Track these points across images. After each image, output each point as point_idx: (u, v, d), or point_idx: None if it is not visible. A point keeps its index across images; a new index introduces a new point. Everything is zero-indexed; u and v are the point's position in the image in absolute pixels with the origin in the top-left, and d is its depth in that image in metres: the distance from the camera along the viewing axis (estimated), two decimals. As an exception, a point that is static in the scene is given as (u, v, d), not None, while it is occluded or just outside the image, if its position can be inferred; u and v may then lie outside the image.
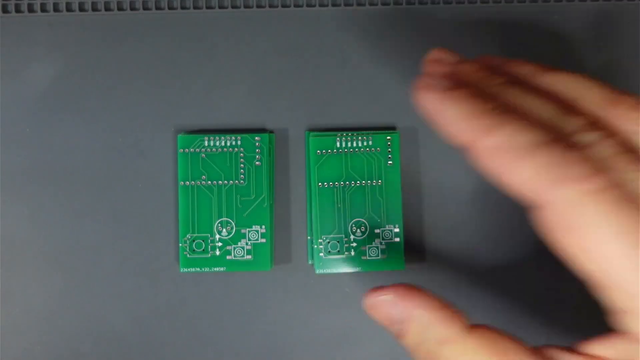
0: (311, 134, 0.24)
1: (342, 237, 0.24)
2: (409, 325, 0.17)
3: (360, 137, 0.24)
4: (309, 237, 0.24)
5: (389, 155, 0.24)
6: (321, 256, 0.24)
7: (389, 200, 0.24)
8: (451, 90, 0.16)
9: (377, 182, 0.24)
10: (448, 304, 0.17)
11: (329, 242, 0.24)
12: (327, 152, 0.24)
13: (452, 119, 0.15)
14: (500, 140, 0.14)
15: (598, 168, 0.14)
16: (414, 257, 0.25)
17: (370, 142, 0.24)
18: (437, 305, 0.17)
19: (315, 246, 0.24)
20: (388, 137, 0.24)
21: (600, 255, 0.14)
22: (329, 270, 0.24)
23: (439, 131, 0.16)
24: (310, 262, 0.24)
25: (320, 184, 0.24)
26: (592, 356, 0.15)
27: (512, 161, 0.14)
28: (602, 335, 0.16)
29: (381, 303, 0.18)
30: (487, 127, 0.15)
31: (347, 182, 0.24)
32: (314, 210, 0.24)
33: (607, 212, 0.13)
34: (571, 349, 0.16)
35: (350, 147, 0.24)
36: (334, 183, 0.24)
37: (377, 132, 0.24)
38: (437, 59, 0.17)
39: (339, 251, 0.24)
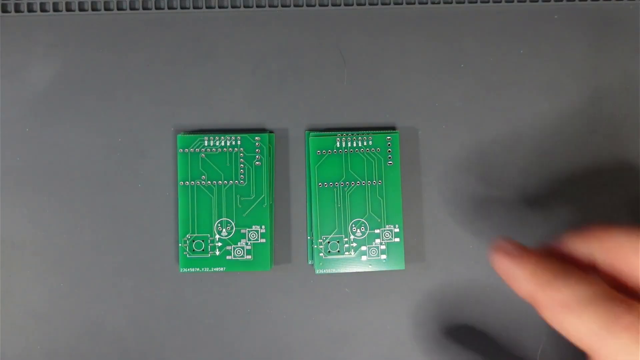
0: (311, 133, 0.24)
1: (342, 237, 0.24)
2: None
3: (360, 137, 0.24)
4: (309, 238, 0.24)
5: (389, 155, 0.24)
6: (321, 256, 0.24)
7: (389, 200, 0.24)
8: (522, 254, 0.18)
9: (377, 182, 0.24)
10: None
11: (328, 242, 0.24)
12: (327, 152, 0.24)
13: (521, 277, 0.17)
14: (559, 296, 0.16)
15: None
16: (413, 257, 0.25)
17: (370, 142, 0.24)
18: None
19: (315, 246, 0.24)
20: (388, 137, 0.24)
21: None
22: (328, 270, 0.24)
23: (510, 287, 0.18)
24: (310, 263, 0.24)
25: (320, 184, 0.24)
26: None
27: (569, 314, 0.16)
28: None
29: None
30: (547, 282, 0.17)
31: (347, 182, 0.24)
32: (313, 210, 0.24)
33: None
34: None
35: (350, 147, 0.24)
36: (334, 183, 0.24)
37: (377, 132, 0.24)
38: (502, 248, 0.19)
39: (338, 251, 0.24)
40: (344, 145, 0.24)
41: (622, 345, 0.15)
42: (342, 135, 0.24)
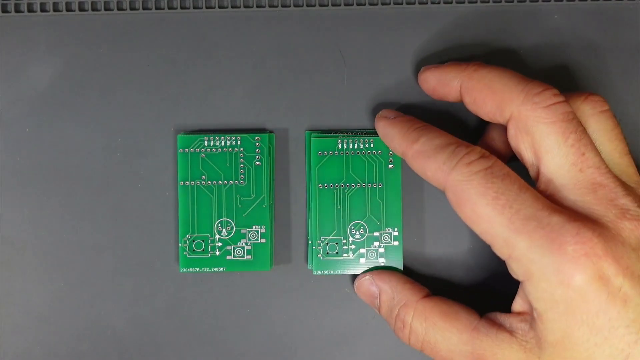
0: (312, 134, 0.24)
1: (340, 239, 0.24)
2: (381, 297, 0.23)
3: (361, 140, 0.24)
4: (309, 242, 0.24)
5: (390, 159, 0.24)
6: (319, 257, 0.24)
7: (389, 203, 0.24)
8: (394, 119, 0.23)
9: (378, 184, 0.24)
10: (411, 280, 0.23)
11: (327, 244, 0.24)
12: (328, 153, 0.24)
13: (394, 137, 0.22)
14: (420, 147, 0.21)
15: (477, 158, 0.20)
16: (412, 260, 0.25)
17: (371, 145, 0.24)
18: (401, 280, 0.23)
19: (314, 247, 0.24)
20: None
21: (481, 218, 0.19)
22: (326, 272, 0.24)
23: (389, 148, 0.23)
24: (310, 267, 0.24)
25: (320, 185, 0.24)
26: (517, 313, 0.20)
27: (427, 160, 0.21)
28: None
29: (363, 283, 0.24)
30: (413, 139, 0.21)
31: (348, 184, 0.24)
32: (313, 211, 0.24)
33: (483, 185, 0.19)
34: (508, 312, 0.21)
35: (352, 149, 0.24)
36: (334, 184, 0.24)
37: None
38: (384, 116, 0.23)
39: (337, 253, 0.24)
40: (345, 147, 0.24)
41: (462, 175, 0.19)
42: (343, 137, 0.24)
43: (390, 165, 0.24)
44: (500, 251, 0.19)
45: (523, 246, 0.19)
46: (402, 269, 0.24)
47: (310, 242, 0.24)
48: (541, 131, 0.19)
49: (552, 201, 0.19)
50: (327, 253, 0.24)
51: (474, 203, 0.19)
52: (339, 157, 0.24)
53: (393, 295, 0.23)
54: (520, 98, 0.20)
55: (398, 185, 0.24)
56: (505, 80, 0.20)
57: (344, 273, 0.24)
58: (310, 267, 0.24)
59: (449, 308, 0.22)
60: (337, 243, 0.24)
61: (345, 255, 0.24)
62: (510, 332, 0.20)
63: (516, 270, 0.19)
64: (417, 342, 0.22)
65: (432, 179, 0.21)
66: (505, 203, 0.19)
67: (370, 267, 0.24)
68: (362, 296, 0.24)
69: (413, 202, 0.25)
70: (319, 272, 0.24)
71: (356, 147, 0.24)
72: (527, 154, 0.20)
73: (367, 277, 0.23)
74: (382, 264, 0.24)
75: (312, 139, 0.24)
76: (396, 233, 0.24)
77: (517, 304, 0.20)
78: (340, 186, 0.24)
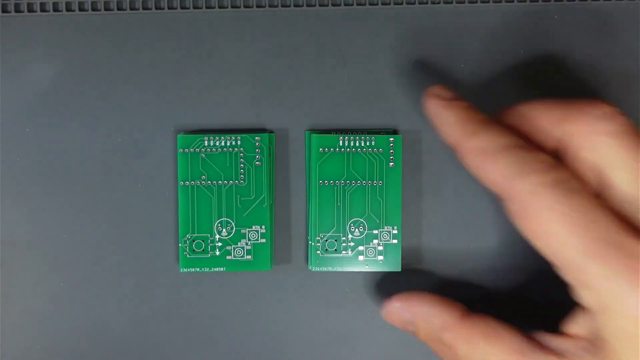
0: (314, 131, 0.24)
1: (339, 236, 0.24)
2: (417, 323, 0.21)
3: (363, 138, 0.24)
4: (310, 243, 0.24)
5: (391, 157, 0.24)
6: (318, 254, 0.24)
7: (389, 201, 0.24)
8: (451, 101, 0.20)
9: (378, 182, 0.24)
10: (445, 299, 0.21)
11: (326, 241, 0.24)
12: (329, 150, 0.24)
13: (448, 123, 0.20)
14: (479, 143, 0.19)
15: (550, 166, 0.17)
16: (411, 259, 0.25)
17: (372, 143, 0.24)
18: (435, 300, 0.21)
19: (313, 244, 0.24)
20: (391, 139, 0.24)
21: (550, 237, 0.17)
22: (324, 269, 0.24)
23: (438, 132, 0.20)
24: (310, 268, 0.24)
25: (320, 181, 0.24)
26: (571, 335, 0.18)
27: (487, 159, 0.18)
28: (572, 313, 0.19)
29: (392, 311, 0.22)
30: (472, 131, 0.19)
31: (348, 181, 0.24)
32: (312, 207, 0.24)
33: (555, 200, 0.17)
34: (557, 332, 0.19)
35: (353, 147, 0.24)
36: (334, 181, 0.24)
37: (380, 134, 0.24)
38: (436, 94, 0.21)
39: (336, 250, 0.24)
40: (346, 145, 0.24)
41: (530, 185, 0.17)
42: (344, 134, 0.24)
43: (391, 164, 0.24)
44: (571, 276, 0.18)
45: (600, 274, 0.16)
46: (400, 268, 0.24)
47: (308, 238, 0.24)
48: (606, 145, 0.18)
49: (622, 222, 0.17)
50: (326, 250, 0.24)
51: (544, 219, 0.17)
52: (340, 154, 0.24)
53: (428, 319, 0.21)
54: (575, 114, 0.18)
55: (398, 184, 0.24)
56: (548, 106, 0.19)
57: (341, 270, 0.24)
58: (310, 268, 0.24)
59: (490, 329, 0.20)
60: (336, 240, 0.24)
61: (344, 252, 0.24)
62: (561, 355, 0.18)
63: (588, 298, 0.17)
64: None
65: (490, 183, 0.18)
66: (579, 222, 0.17)
67: (369, 264, 0.24)
68: (395, 323, 0.22)
69: (413, 201, 0.25)
70: (317, 269, 0.24)
71: (357, 144, 0.24)
72: (587, 173, 0.18)
73: (396, 304, 0.22)
74: (381, 262, 0.24)
75: (313, 135, 0.24)
76: (395, 231, 0.24)
77: (575, 328, 0.19)
78: (340, 183, 0.24)
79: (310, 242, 0.24)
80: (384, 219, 0.24)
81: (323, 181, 0.24)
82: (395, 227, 0.24)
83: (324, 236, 0.24)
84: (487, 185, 0.19)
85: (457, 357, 0.20)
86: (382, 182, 0.24)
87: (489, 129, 0.19)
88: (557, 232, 0.17)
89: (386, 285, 0.25)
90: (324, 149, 0.24)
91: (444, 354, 0.21)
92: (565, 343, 0.18)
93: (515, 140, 0.18)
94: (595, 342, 0.18)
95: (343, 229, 0.24)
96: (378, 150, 0.24)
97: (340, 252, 0.24)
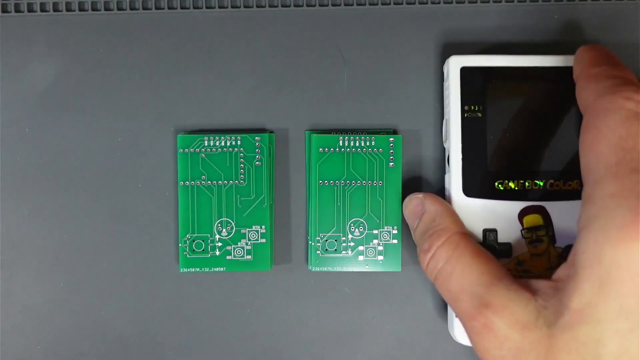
0: (314, 131, 0.24)
1: (339, 236, 0.24)
2: (423, 216, 0.22)
3: (363, 138, 0.24)
4: (310, 243, 0.24)
5: (391, 157, 0.24)
6: (318, 254, 0.24)
7: (389, 201, 0.24)
8: (600, 50, 0.21)
9: (378, 182, 0.24)
10: (458, 216, 0.22)
11: (326, 240, 0.24)
12: (329, 150, 0.24)
13: (583, 58, 0.21)
14: (596, 70, 0.20)
15: (634, 97, 0.18)
16: (411, 259, 0.25)
17: (372, 143, 0.24)
18: (449, 210, 0.22)
19: (312, 243, 0.24)
20: (391, 139, 0.24)
21: (593, 150, 0.18)
22: (324, 268, 0.24)
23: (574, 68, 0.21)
24: (310, 268, 0.24)
25: (320, 181, 0.24)
26: (550, 280, 0.19)
27: (590, 81, 0.20)
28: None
29: (412, 199, 0.23)
30: (595, 63, 0.20)
31: (348, 181, 0.24)
32: (312, 207, 0.24)
33: (620, 122, 0.18)
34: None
35: (353, 147, 0.24)
36: (334, 181, 0.24)
37: (379, 134, 0.24)
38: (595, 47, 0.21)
39: (335, 250, 0.24)
40: (346, 144, 0.24)
41: (610, 103, 0.18)
42: (344, 134, 0.24)
43: (391, 164, 0.24)
44: (586, 188, 0.18)
45: (607, 191, 0.17)
46: (400, 268, 0.24)
47: (308, 238, 0.24)
48: None
49: None
50: (326, 250, 0.24)
51: (601, 134, 0.18)
52: (340, 154, 0.24)
53: (435, 218, 0.22)
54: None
55: (398, 184, 0.24)
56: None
57: (341, 270, 0.24)
58: (310, 268, 0.24)
59: (482, 251, 0.20)
60: (336, 240, 0.24)
61: (344, 252, 0.24)
62: (533, 292, 0.18)
63: (585, 212, 0.18)
64: (434, 268, 0.21)
65: (581, 99, 0.20)
66: (626, 147, 0.17)
67: (369, 264, 0.24)
68: (407, 213, 0.23)
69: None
70: (317, 269, 0.24)
71: (357, 144, 0.24)
72: None
73: (420, 195, 0.23)
74: (381, 262, 0.24)
75: (313, 135, 0.24)
76: (395, 231, 0.24)
77: (557, 273, 0.19)
78: (340, 183, 0.24)
79: (310, 242, 0.24)
80: (384, 219, 0.24)
81: (323, 181, 0.24)
82: (395, 227, 0.24)
83: (324, 236, 0.24)
84: (579, 105, 0.20)
85: (434, 260, 0.21)
86: (382, 182, 0.24)
87: (612, 65, 0.20)
88: (603, 146, 0.18)
89: (386, 285, 0.25)
90: (324, 149, 0.24)
91: (423, 253, 0.21)
92: (543, 283, 0.19)
93: (632, 78, 0.19)
94: (566, 280, 0.18)
95: (343, 229, 0.24)
96: (378, 150, 0.24)
97: (340, 252, 0.24)
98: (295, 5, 0.25)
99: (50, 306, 0.25)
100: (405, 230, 0.24)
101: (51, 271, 0.25)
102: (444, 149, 0.24)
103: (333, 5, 0.25)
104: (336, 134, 0.24)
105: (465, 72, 0.23)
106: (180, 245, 0.24)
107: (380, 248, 0.24)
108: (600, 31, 0.25)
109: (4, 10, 0.25)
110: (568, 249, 0.22)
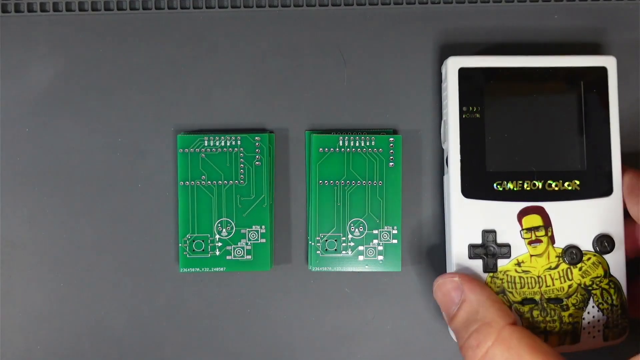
0: (314, 131, 0.24)
1: (339, 236, 0.24)
2: (462, 306, 0.21)
3: (362, 138, 0.24)
4: (310, 243, 0.24)
5: (391, 157, 0.24)
6: (318, 254, 0.24)
7: (389, 201, 0.24)
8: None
9: (378, 182, 0.24)
10: (500, 300, 0.21)
11: (326, 241, 0.24)
12: (329, 150, 0.24)
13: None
14: None
15: None
16: (410, 259, 0.25)
17: (372, 143, 0.24)
18: (492, 296, 0.21)
19: (312, 243, 0.24)
20: (391, 139, 0.24)
21: None
22: (324, 269, 0.24)
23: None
24: (310, 268, 0.24)
25: (320, 181, 0.24)
26: None
27: None
28: None
29: (446, 283, 0.21)
30: None
31: (348, 181, 0.24)
32: (312, 207, 0.24)
33: None
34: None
35: (353, 147, 0.24)
36: (334, 181, 0.24)
37: (380, 133, 0.24)
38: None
39: (336, 250, 0.24)
40: (346, 144, 0.24)
41: None
42: (344, 134, 0.24)
43: (391, 164, 0.24)
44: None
45: None
46: (400, 268, 0.24)
47: (308, 238, 0.24)
48: None
49: None
50: (326, 250, 0.24)
51: None
52: (340, 154, 0.24)
53: (477, 309, 0.20)
54: None
55: (398, 184, 0.24)
56: None
57: (341, 270, 0.24)
58: (310, 268, 0.24)
59: (539, 344, 0.19)
60: (336, 240, 0.24)
61: (344, 252, 0.24)
62: None
63: None
64: None
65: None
66: None
67: (369, 264, 0.24)
68: (440, 297, 0.22)
69: (413, 201, 0.25)
70: (317, 269, 0.24)
71: (357, 144, 0.24)
72: None
73: (456, 278, 0.21)
74: (381, 262, 0.24)
75: (313, 135, 0.24)
76: (395, 231, 0.24)
77: None
78: (340, 183, 0.24)
79: (310, 242, 0.24)
80: (384, 219, 0.24)
81: (323, 181, 0.24)
82: (395, 227, 0.24)
83: (324, 236, 0.24)
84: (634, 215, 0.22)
85: (479, 355, 0.19)
86: (382, 182, 0.24)
87: None
88: None
89: (386, 285, 0.25)
90: (323, 149, 0.24)
91: (471, 349, 0.20)
92: None
93: None
94: None
95: (343, 229, 0.24)
96: (378, 150, 0.24)
97: (340, 252, 0.24)
98: (295, 5, 0.25)
99: (50, 306, 0.25)
100: (405, 230, 0.24)
101: (51, 271, 0.25)
102: (443, 149, 0.24)
103: (333, 5, 0.25)
104: (336, 134, 0.24)
105: (463, 73, 0.23)
106: (180, 245, 0.24)
107: (380, 248, 0.24)
108: (600, 31, 0.25)
109: (4, 10, 0.25)
110: (567, 249, 0.22)
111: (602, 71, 0.23)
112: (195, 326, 0.25)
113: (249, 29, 0.25)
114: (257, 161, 0.24)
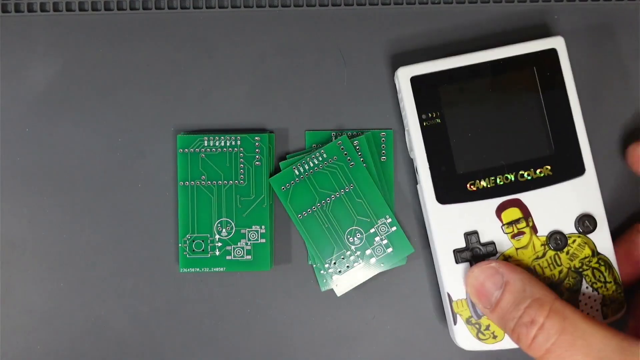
0: (270, 179, 0.24)
1: (344, 252, 0.24)
2: (507, 288, 0.20)
3: (312, 157, 0.23)
4: (322, 272, 0.24)
5: (348, 158, 0.24)
6: (337, 278, 0.24)
7: (368, 197, 0.24)
8: None
9: (349, 187, 0.24)
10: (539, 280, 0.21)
11: (334, 263, 0.24)
12: (290, 184, 0.24)
13: None
14: None
15: None
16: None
17: (324, 156, 0.23)
18: (531, 275, 0.21)
19: (324, 272, 0.24)
20: (338, 142, 0.24)
21: None
22: (350, 287, 0.24)
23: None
24: (310, 263, 0.24)
25: (299, 215, 0.24)
26: None
27: None
28: None
29: (485, 269, 0.21)
30: None
31: (323, 201, 0.24)
32: (306, 240, 0.24)
33: None
34: None
35: (308, 170, 0.24)
36: (311, 209, 0.24)
37: (379, 132, 0.24)
38: None
39: (348, 266, 0.24)
40: (302, 171, 0.24)
41: None
42: (300, 161, 0.24)
43: (351, 164, 0.24)
44: None
45: None
46: (412, 249, 0.24)
47: (318, 267, 0.24)
48: None
49: None
50: (339, 272, 0.24)
51: None
52: (302, 182, 0.24)
53: (524, 288, 0.20)
54: None
55: (367, 178, 0.24)
56: None
57: (364, 281, 0.24)
58: (324, 289, 0.24)
59: (584, 313, 0.20)
60: (343, 258, 0.24)
61: (356, 264, 0.24)
62: None
63: None
64: (545, 341, 0.19)
65: None
66: None
67: (384, 262, 0.24)
68: (477, 288, 0.21)
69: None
70: (343, 292, 0.24)
71: (311, 165, 0.24)
72: None
73: (493, 264, 0.21)
74: (391, 253, 0.24)
75: (270, 180, 0.24)
76: (389, 220, 0.24)
77: None
78: (317, 206, 0.24)
79: (321, 272, 0.24)
80: (373, 215, 0.24)
81: (301, 214, 0.24)
82: (387, 217, 0.24)
83: (331, 260, 0.24)
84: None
85: (543, 334, 0.19)
86: (352, 184, 0.24)
87: None
88: None
89: (386, 285, 0.25)
90: (285, 186, 0.24)
91: (525, 327, 0.20)
92: None
93: None
94: None
95: (343, 243, 0.24)
96: (333, 159, 0.24)
97: (354, 266, 0.24)
98: (295, 5, 0.25)
99: (50, 306, 0.25)
100: (400, 215, 0.24)
101: (51, 271, 0.25)
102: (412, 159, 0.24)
103: (333, 5, 0.25)
104: (335, 135, 0.24)
105: (415, 81, 0.23)
106: (180, 245, 0.24)
107: (385, 241, 0.24)
108: (600, 31, 0.25)
109: (4, 10, 0.25)
110: (551, 235, 0.22)
111: (553, 53, 0.23)
112: (195, 326, 0.25)
113: (249, 29, 0.25)
114: (257, 161, 0.24)
